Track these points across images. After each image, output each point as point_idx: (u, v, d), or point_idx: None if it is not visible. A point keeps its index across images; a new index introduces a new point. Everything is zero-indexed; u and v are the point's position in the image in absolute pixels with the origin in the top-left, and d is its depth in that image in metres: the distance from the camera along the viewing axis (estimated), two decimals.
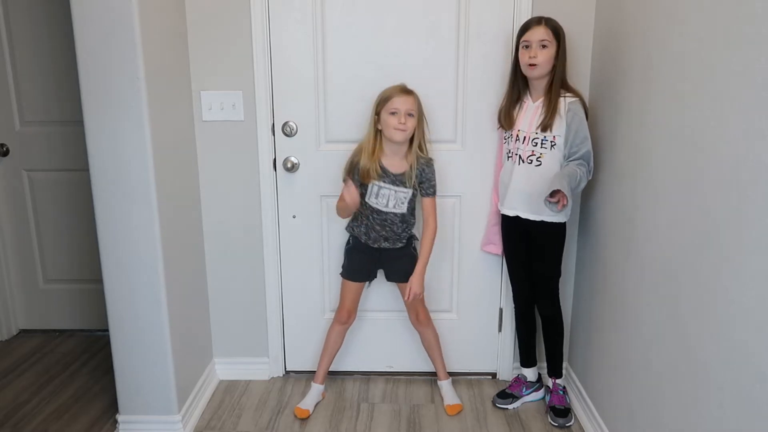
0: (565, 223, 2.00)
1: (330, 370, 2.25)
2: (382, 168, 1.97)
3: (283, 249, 2.29)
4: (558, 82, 1.88)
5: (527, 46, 1.87)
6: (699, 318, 1.30)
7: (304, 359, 2.41)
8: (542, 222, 1.96)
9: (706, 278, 1.26)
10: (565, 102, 1.88)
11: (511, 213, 2.02)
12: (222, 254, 2.28)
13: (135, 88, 1.70)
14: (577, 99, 1.89)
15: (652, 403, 1.54)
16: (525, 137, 1.94)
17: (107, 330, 1.89)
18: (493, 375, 2.41)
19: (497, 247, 2.19)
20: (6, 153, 2.66)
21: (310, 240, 2.28)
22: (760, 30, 1.09)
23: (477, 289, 2.32)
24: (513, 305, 2.20)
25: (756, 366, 1.09)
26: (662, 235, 1.49)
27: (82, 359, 2.57)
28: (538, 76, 1.88)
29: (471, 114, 2.14)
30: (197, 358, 2.20)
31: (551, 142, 1.90)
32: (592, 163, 1.89)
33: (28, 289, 2.81)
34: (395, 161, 1.99)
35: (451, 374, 2.28)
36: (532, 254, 2.06)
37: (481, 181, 2.20)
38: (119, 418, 1.99)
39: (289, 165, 2.20)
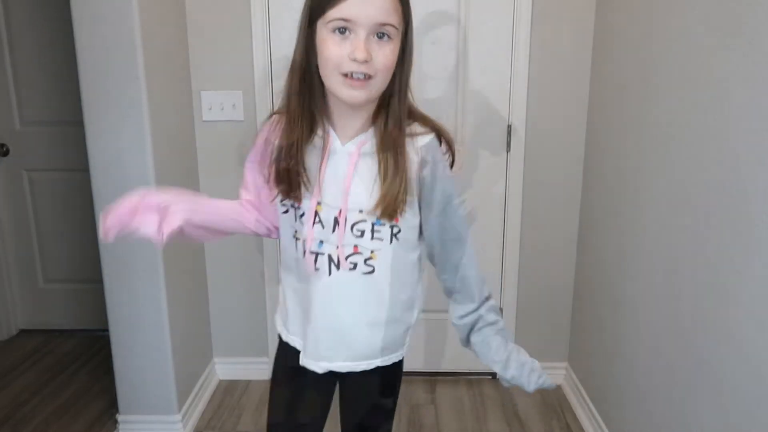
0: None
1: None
2: None
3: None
4: (403, 106, 0.96)
5: (342, 30, 0.88)
6: (699, 318, 1.30)
7: None
8: (375, 369, 1.13)
9: (707, 279, 1.26)
10: (414, 145, 0.97)
11: (319, 369, 1.10)
12: (222, 254, 2.28)
13: (135, 88, 1.70)
14: (433, 134, 0.99)
15: (651, 403, 1.54)
16: (336, 218, 1.00)
17: (107, 330, 1.89)
18: (493, 375, 2.41)
19: None
20: (6, 153, 2.65)
21: None
22: (760, 31, 1.09)
23: None
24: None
25: (756, 366, 1.09)
26: (662, 236, 1.49)
27: (82, 359, 2.57)
28: (368, 100, 0.93)
29: (471, 113, 2.14)
30: (197, 358, 2.20)
31: (393, 228, 1.02)
32: (485, 291, 1.11)
33: (28, 289, 2.80)
34: None
35: (451, 374, 2.28)
36: (348, 415, 1.22)
37: (483, 179, 2.20)
38: (119, 418, 1.99)
39: None
